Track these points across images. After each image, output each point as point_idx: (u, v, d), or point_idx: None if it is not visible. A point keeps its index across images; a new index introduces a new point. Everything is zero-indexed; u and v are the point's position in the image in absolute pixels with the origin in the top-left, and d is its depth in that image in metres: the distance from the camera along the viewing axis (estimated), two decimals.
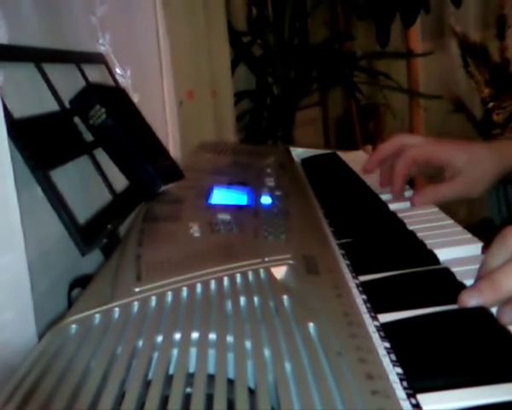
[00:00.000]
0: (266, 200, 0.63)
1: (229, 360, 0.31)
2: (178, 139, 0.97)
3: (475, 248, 0.50)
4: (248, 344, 0.32)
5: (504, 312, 0.37)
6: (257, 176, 0.75)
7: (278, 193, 0.66)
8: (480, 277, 0.41)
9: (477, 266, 0.43)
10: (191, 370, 0.30)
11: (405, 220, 0.59)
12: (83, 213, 0.50)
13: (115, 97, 0.67)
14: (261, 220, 0.55)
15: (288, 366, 0.30)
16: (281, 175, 0.77)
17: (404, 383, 0.30)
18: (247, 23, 1.85)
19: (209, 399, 0.27)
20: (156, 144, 0.68)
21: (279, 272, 0.43)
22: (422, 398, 0.29)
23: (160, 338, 0.33)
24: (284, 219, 0.56)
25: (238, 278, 0.41)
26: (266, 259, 0.45)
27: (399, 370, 0.31)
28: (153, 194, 0.61)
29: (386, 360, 0.32)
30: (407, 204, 0.66)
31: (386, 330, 0.36)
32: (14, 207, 0.42)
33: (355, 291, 0.42)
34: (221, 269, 0.42)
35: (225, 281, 0.41)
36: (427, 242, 0.51)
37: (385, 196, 0.70)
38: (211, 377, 0.29)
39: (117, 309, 0.37)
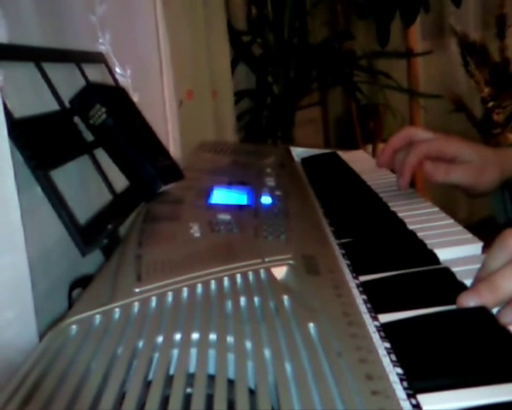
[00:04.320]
0: (266, 200, 0.63)
1: (229, 361, 0.31)
2: (178, 139, 0.97)
3: (475, 247, 0.50)
4: (248, 344, 0.32)
5: (505, 313, 0.37)
6: (257, 176, 0.75)
7: (278, 193, 0.66)
8: (480, 279, 0.41)
9: (477, 266, 0.43)
10: (191, 370, 0.30)
11: (405, 220, 0.59)
12: (83, 214, 0.50)
13: (115, 97, 0.67)
14: (261, 220, 0.55)
15: (288, 367, 0.30)
16: (281, 175, 0.77)
17: (404, 384, 0.30)
18: (247, 22, 1.85)
19: (209, 399, 0.27)
20: (156, 144, 0.68)
21: (279, 272, 0.43)
22: (422, 398, 0.29)
23: (160, 339, 0.33)
24: (284, 218, 0.56)
25: (238, 278, 0.41)
26: (266, 259, 0.45)
27: (399, 370, 0.31)
28: (153, 194, 0.61)
29: (387, 361, 0.32)
30: (407, 204, 0.66)
31: (387, 331, 0.36)
32: (14, 207, 0.42)
33: (355, 291, 0.42)
34: (221, 269, 0.42)
35: (225, 281, 0.41)
36: (428, 241, 0.51)
37: (384, 194, 0.70)
38: (211, 378, 0.29)
39: (117, 310, 0.37)
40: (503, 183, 0.71)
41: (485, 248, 0.49)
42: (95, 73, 0.67)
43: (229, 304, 0.37)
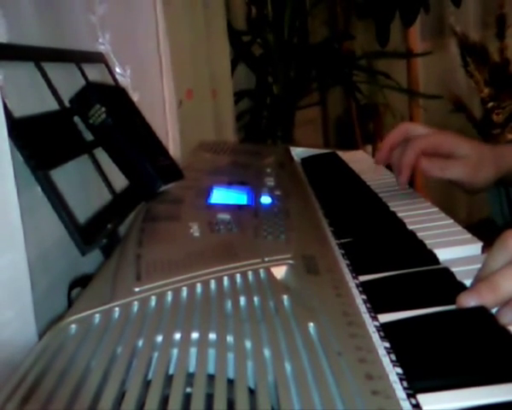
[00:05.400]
0: (266, 199, 0.63)
1: (229, 360, 0.31)
2: (178, 139, 0.96)
3: (475, 248, 0.50)
4: (248, 344, 0.32)
5: (504, 313, 0.37)
6: (256, 176, 0.75)
7: (278, 193, 0.66)
8: (480, 279, 0.41)
9: (477, 266, 0.44)
10: (191, 370, 0.30)
11: (405, 220, 0.59)
12: (83, 213, 0.50)
13: (115, 97, 0.66)
14: (261, 220, 0.55)
15: (287, 366, 0.30)
16: (280, 175, 0.77)
17: (404, 383, 0.30)
18: (247, 22, 1.85)
19: (209, 399, 0.27)
20: (156, 144, 0.68)
21: (279, 271, 0.43)
22: (422, 398, 0.29)
23: (159, 338, 0.33)
24: (284, 218, 0.56)
25: (238, 277, 0.41)
26: (266, 259, 0.45)
27: (399, 370, 0.31)
28: (153, 194, 0.61)
29: (386, 360, 0.32)
30: (407, 204, 0.66)
31: (386, 330, 0.36)
32: (14, 206, 0.42)
33: (355, 291, 0.42)
34: (221, 269, 0.42)
35: (225, 281, 0.41)
36: (427, 242, 0.51)
37: (384, 194, 0.70)
38: (211, 377, 0.29)
39: (117, 309, 0.37)
40: (498, 180, 0.71)
41: (485, 249, 0.49)
42: (94, 73, 0.67)
43: (229, 304, 0.37)
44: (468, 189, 0.70)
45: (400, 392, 0.29)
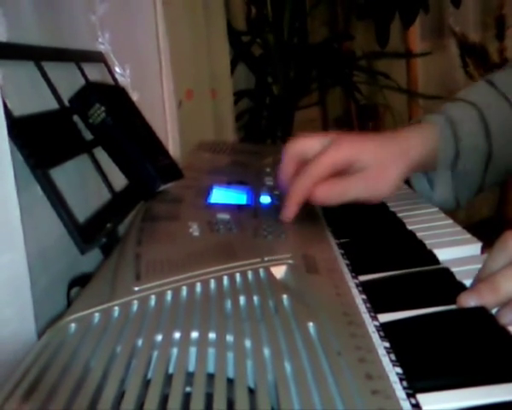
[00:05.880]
0: (265, 199, 0.63)
1: (228, 360, 0.30)
2: (178, 138, 0.96)
3: (475, 248, 0.50)
4: (248, 343, 0.32)
5: (504, 313, 0.37)
6: (256, 175, 0.75)
7: (277, 192, 0.66)
8: (480, 279, 0.41)
9: (476, 266, 0.44)
10: (191, 369, 0.30)
11: (405, 220, 0.59)
12: (82, 212, 0.50)
13: (115, 96, 0.66)
14: (260, 220, 0.55)
15: (287, 366, 0.30)
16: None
17: (404, 383, 0.30)
18: (247, 23, 1.85)
19: (209, 398, 0.27)
20: (155, 143, 0.68)
21: (278, 271, 0.43)
22: (422, 398, 0.29)
23: (159, 337, 0.33)
24: None
25: (238, 277, 0.41)
26: (266, 258, 0.45)
27: (399, 370, 0.31)
28: (152, 193, 0.61)
29: (386, 360, 0.32)
30: (406, 204, 0.66)
31: (386, 330, 0.36)
32: (13, 205, 0.42)
33: (354, 291, 0.42)
34: (220, 268, 0.42)
35: (225, 280, 0.41)
36: (427, 242, 0.51)
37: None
38: (210, 377, 0.29)
39: (116, 308, 0.37)
40: (412, 171, 0.63)
41: (485, 249, 0.49)
42: (94, 73, 0.67)
43: (229, 303, 0.37)
44: (371, 201, 0.60)
45: (400, 392, 0.29)
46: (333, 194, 0.57)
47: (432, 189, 0.69)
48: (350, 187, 0.58)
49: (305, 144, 0.61)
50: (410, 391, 0.30)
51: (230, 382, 0.28)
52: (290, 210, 0.57)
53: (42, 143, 0.49)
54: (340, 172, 0.58)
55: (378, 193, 0.59)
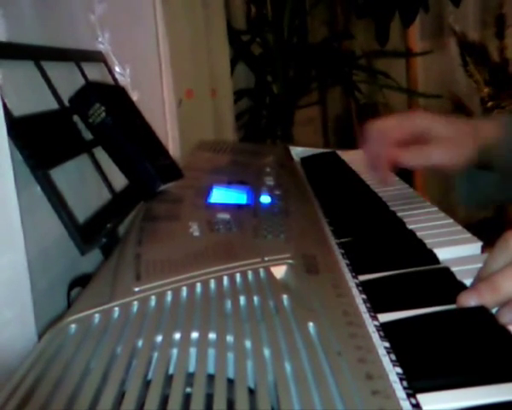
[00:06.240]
0: (266, 199, 0.63)
1: (228, 360, 0.31)
2: (178, 138, 0.96)
3: (475, 247, 0.50)
4: (248, 344, 0.32)
5: (504, 313, 0.37)
6: (256, 175, 0.75)
7: (277, 192, 0.66)
8: (480, 279, 0.41)
9: (476, 266, 0.44)
10: (191, 370, 0.30)
11: (405, 220, 0.59)
12: (82, 213, 0.50)
13: (114, 96, 0.66)
14: (260, 220, 0.55)
15: (287, 366, 0.30)
16: (280, 174, 0.77)
17: (404, 383, 0.30)
18: (247, 22, 1.85)
19: (209, 399, 0.27)
20: (155, 143, 0.68)
21: (279, 271, 0.43)
22: (422, 398, 0.29)
23: (159, 338, 0.33)
24: (284, 218, 0.56)
25: (238, 277, 0.41)
26: (266, 258, 0.45)
27: (399, 370, 0.31)
28: (152, 193, 0.61)
29: (386, 360, 0.32)
30: (406, 203, 0.66)
31: (386, 330, 0.36)
32: (13, 206, 0.42)
33: (355, 291, 0.42)
34: (221, 268, 0.42)
35: (225, 280, 0.41)
36: (427, 241, 0.51)
37: (383, 194, 0.70)
38: (211, 377, 0.29)
39: (116, 309, 0.37)
40: (478, 156, 0.65)
41: (485, 248, 0.49)
42: (94, 72, 0.67)
43: (229, 303, 0.37)
44: (450, 170, 0.65)
45: (400, 392, 0.29)
46: (418, 157, 0.63)
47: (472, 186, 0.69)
48: (433, 152, 0.63)
49: (382, 123, 0.67)
50: (410, 391, 0.30)
51: (230, 382, 0.28)
52: (384, 174, 0.65)
53: (42, 143, 0.49)
54: (417, 142, 0.64)
55: (457, 160, 0.63)
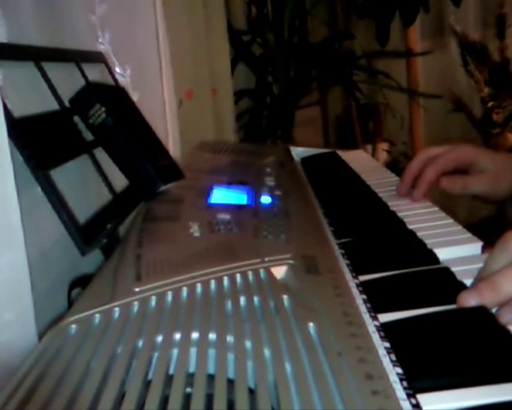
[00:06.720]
0: (266, 199, 0.63)
1: (229, 360, 0.31)
2: (178, 138, 0.96)
3: (475, 247, 0.50)
4: (248, 344, 0.32)
5: (504, 313, 0.37)
6: (256, 175, 0.75)
7: (278, 192, 0.66)
8: (481, 279, 0.41)
9: (477, 266, 0.44)
10: (191, 370, 0.30)
11: (405, 220, 0.59)
12: (83, 213, 0.50)
13: (115, 96, 0.66)
14: (261, 220, 0.55)
15: (287, 366, 0.30)
16: (280, 174, 0.77)
17: (404, 383, 0.30)
18: (247, 22, 1.85)
19: (209, 399, 0.27)
20: (156, 144, 0.68)
21: (279, 271, 0.43)
22: (422, 398, 0.29)
23: (160, 338, 0.33)
24: (284, 218, 0.56)
25: (238, 277, 0.41)
26: (266, 259, 0.45)
27: (399, 370, 0.31)
28: (152, 193, 0.61)
29: (386, 360, 0.32)
30: (407, 203, 0.66)
31: (386, 330, 0.36)
32: (14, 206, 0.42)
33: (355, 291, 0.42)
34: (221, 269, 0.42)
35: (225, 281, 0.41)
36: (427, 241, 0.51)
37: (384, 194, 0.70)
38: (211, 377, 0.29)
39: (117, 309, 0.37)
40: None
41: (485, 248, 0.49)
42: (94, 73, 0.67)
43: (229, 304, 0.37)
44: (490, 200, 0.72)
45: (400, 392, 0.29)
46: (456, 184, 0.70)
47: None
48: (474, 182, 0.70)
49: (432, 150, 0.73)
50: (410, 391, 0.30)
51: (231, 382, 0.28)
52: (421, 190, 0.68)
53: (42, 144, 0.49)
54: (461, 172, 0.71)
55: (496, 193, 0.70)
